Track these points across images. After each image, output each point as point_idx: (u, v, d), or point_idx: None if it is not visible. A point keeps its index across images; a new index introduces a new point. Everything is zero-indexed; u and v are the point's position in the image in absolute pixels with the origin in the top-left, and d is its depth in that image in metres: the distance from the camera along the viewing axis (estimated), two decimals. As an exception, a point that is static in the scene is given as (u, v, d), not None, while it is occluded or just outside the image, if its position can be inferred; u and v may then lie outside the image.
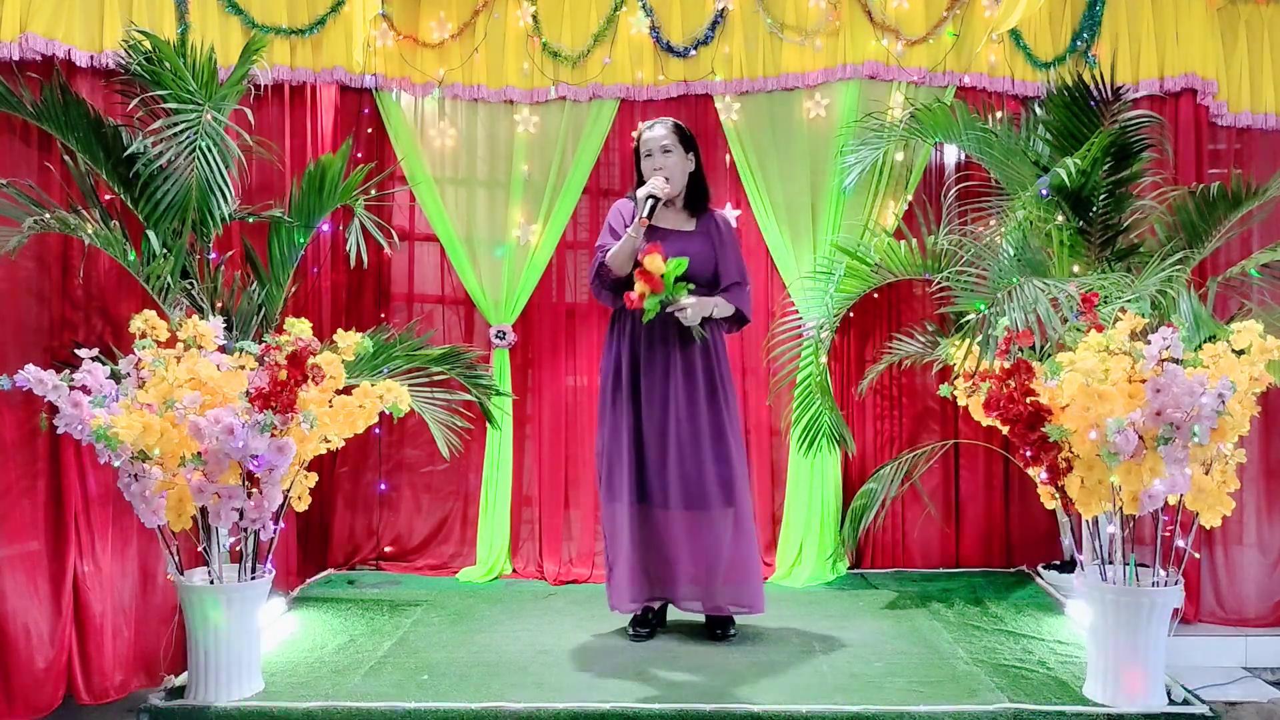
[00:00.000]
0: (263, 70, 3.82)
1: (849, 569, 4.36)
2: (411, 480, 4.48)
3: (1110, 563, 2.86)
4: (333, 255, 4.26)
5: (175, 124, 3.22)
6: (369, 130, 4.42)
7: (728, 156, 4.44)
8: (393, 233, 3.96)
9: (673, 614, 3.52)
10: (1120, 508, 2.76)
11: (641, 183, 3.38)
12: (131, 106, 3.31)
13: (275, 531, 2.89)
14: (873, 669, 3.10)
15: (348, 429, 2.95)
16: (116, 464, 2.72)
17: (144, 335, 2.88)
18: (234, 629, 2.84)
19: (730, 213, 4.42)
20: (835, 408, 4.13)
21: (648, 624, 3.43)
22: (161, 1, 3.57)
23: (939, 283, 3.60)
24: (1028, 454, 2.81)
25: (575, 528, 4.44)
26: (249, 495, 2.78)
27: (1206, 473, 2.77)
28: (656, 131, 3.36)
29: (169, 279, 3.24)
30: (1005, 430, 2.90)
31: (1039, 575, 4.20)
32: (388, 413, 3.01)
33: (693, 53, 4.33)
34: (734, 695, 2.87)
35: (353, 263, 3.74)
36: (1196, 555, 4.01)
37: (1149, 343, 2.65)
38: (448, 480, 4.47)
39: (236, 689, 2.85)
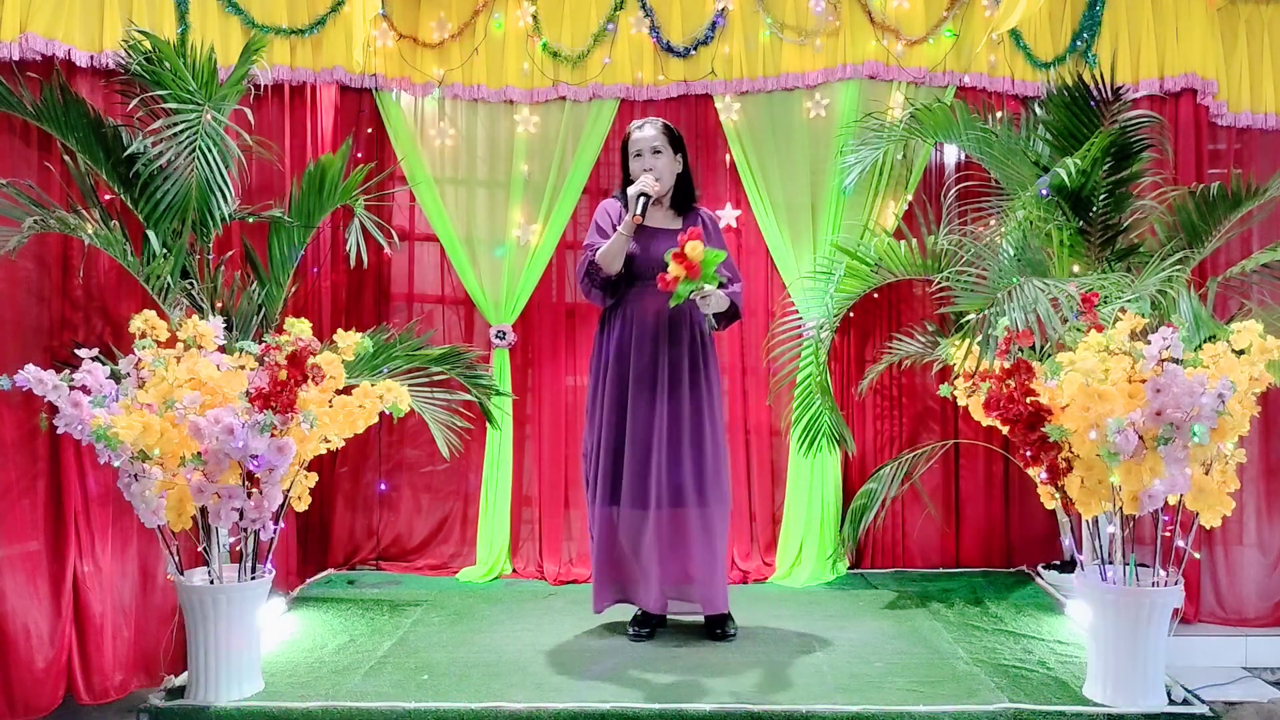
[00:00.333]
0: (263, 70, 3.81)
1: (849, 569, 4.36)
2: (411, 480, 4.48)
3: (1110, 563, 2.86)
4: (333, 255, 4.26)
5: (175, 124, 3.22)
6: (369, 130, 4.42)
7: (728, 156, 4.44)
8: (393, 233, 3.96)
9: (673, 614, 3.51)
10: (1120, 508, 2.76)
11: (629, 181, 3.39)
12: (131, 106, 3.31)
13: (275, 531, 2.89)
14: (873, 669, 3.10)
15: (348, 429, 2.95)
16: (116, 464, 2.72)
17: (144, 335, 2.87)
18: (234, 629, 2.84)
19: (730, 213, 4.42)
20: (835, 408, 4.13)
21: (648, 624, 3.43)
22: (161, 1, 3.58)
23: (939, 283, 3.60)
24: (1028, 454, 2.81)
25: (575, 528, 4.44)
26: (249, 495, 2.78)
27: (1206, 473, 2.77)
28: (646, 132, 3.37)
29: (169, 279, 3.24)
30: (1005, 430, 2.90)
31: (1039, 575, 4.20)
32: (388, 413, 3.01)
33: (693, 53, 4.33)
34: (734, 695, 2.86)
35: (353, 263, 3.74)
36: (1196, 555, 4.01)
37: (1149, 343, 2.65)
38: (448, 480, 4.47)
39: (236, 689, 2.85)
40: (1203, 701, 2.83)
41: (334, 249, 4.26)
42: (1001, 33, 4.22)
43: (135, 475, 2.74)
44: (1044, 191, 3.68)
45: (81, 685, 3.19)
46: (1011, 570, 4.38)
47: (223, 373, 2.82)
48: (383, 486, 4.47)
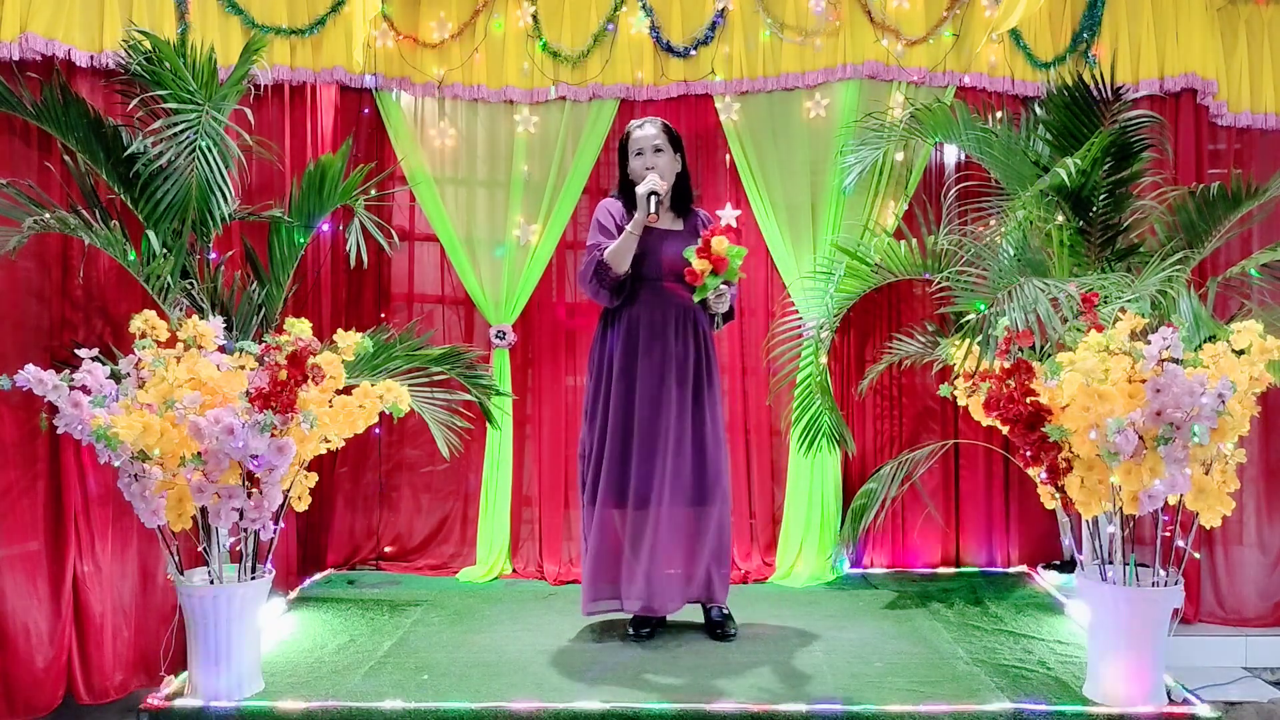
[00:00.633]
0: (263, 70, 3.82)
1: (849, 569, 4.36)
2: (411, 480, 4.48)
3: (1110, 563, 2.86)
4: (333, 255, 4.26)
5: (175, 124, 3.22)
6: (369, 130, 4.42)
7: (728, 156, 4.44)
8: (393, 233, 3.97)
9: (673, 614, 3.52)
10: (1120, 508, 2.76)
11: (627, 180, 3.39)
12: (131, 106, 3.31)
13: (275, 531, 2.89)
14: (873, 669, 3.10)
15: (348, 429, 2.95)
16: (116, 464, 2.72)
17: (144, 335, 2.87)
18: (234, 629, 2.84)
19: (730, 213, 4.42)
20: (835, 408, 4.13)
21: (648, 623, 3.42)
22: (161, 1, 3.58)
23: (939, 283, 3.60)
24: (1028, 454, 2.81)
25: (575, 528, 4.43)
26: (249, 495, 2.78)
27: (1206, 473, 2.77)
28: (647, 130, 3.37)
29: (169, 279, 3.24)
30: (1005, 430, 2.90)
31: (1039, 575, 4.20)
32: (388, 413, 3.01)
33: (693, 53, 4.33)
34: (734, 695, 2.86)
35: (353, 263, 3.74)
36: (1196, 555, 4.01)
37: (1149, 343, 2.65)
38: (448, 480, 4.47)
39: (236, 689, 2.85)
40: (1203, 701, 2.83)
41: (334, 249, 4.26)
42: (1001, 33, 4.22)
43: (135, 475, 2.74)
44: (1044, 191, 3.68)
45: (81, 685, 3.19)
46: (1011, 570, 4.38)
47: (223, 373, 2.82)
48: (383, 486, 4.46)
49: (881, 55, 4.28)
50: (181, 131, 3.22)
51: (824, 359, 4.13)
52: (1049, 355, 2.91)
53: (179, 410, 2.70)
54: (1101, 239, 3.81)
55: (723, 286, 3.21)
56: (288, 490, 2.95)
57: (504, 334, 4.41)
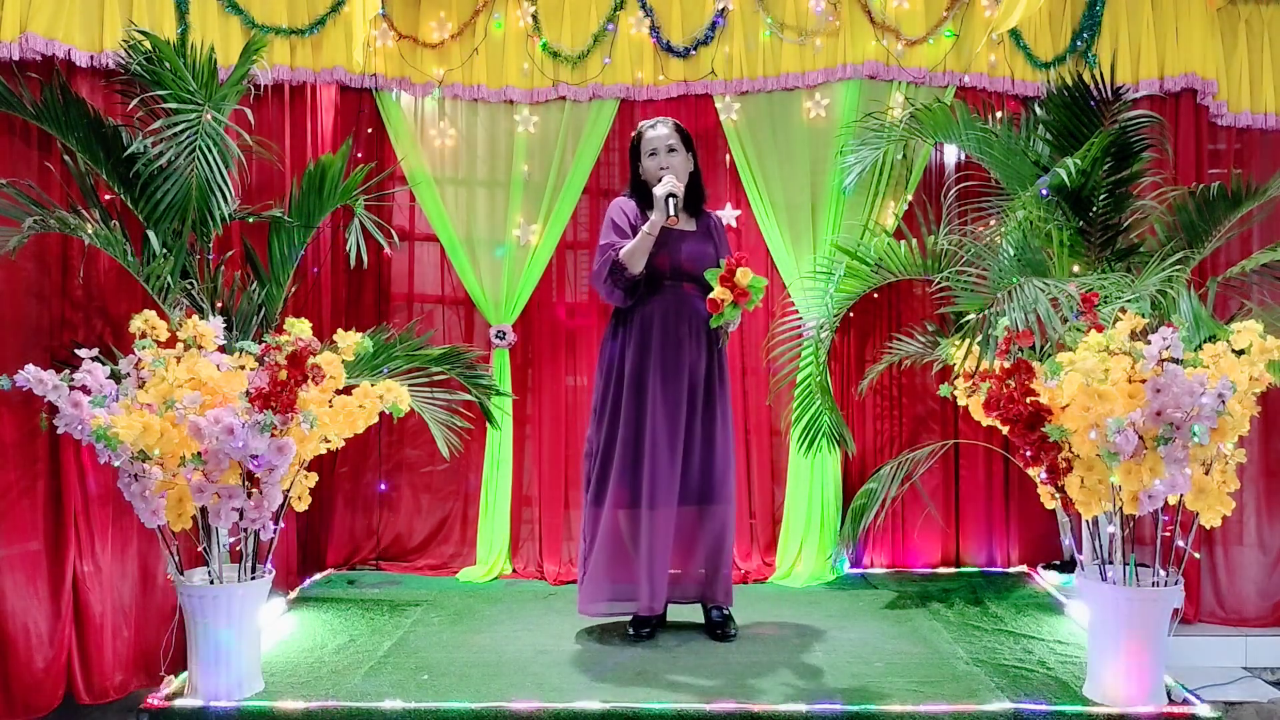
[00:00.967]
0: (263, 70, 3.82)
1: (849, 569, 4.36)
2: (411, 480, 4.48)
3: (1110, 563, 2.86)
4: (333, 255, 4.26)
5: (175, 124, 3.22)
6: (369, 130, 4.42)
7: (728, 156, 4.44)
8: (393, 233, 3.97)
9: (673, 614, 3.52)
10: (1120, 508, 2.76)
11: (639, 180, 3.39)
12: (131, 106, 3.31)
13: (275, 531, 2.89)
14: (873, 669, 3.10)
15: (348, 429, 2.95)
16: (116, 464, 2.72)
17: (144, 335, 2.87)
18: (234, 629, 2.84)
19: (730, 213, 4.42)
20: (835, 408, 4.12)
21: (648, 623, 3.42)
22: (161, 1, 3.58)
23: (939, 283, 3.60)
24: (1028, 454, 2.81)
25: (575, 528, 4.43)
26: (249, 495, 2.78)
27: (1206, 473, 2.77)
28: (660, 131, 3.37)
29: (169, 279, 3.24)
30: (1005, 430, 2.90)
31: (1039, 575, 4.20)
32: (388, 413, 3.01)
33: (693, 53, 4.33)
34: (734, 695, 2.87)
35: (353, 263, 3.74)
36: (1196, 555, 4.01)
37: (1149, 343, 2.65)
38: (448, 480, 4.47)
39: (236, 689, 2.85)
40: (1203, 701, 2.83)
41: (334, 249, 4.26)
42: (1001, 33, 4.22)
43: (135, 475, 2.74)
44: (1044, 191, 3.68)
45: (81, 685, 3.19)
46: (1011, 570, 4.38)
47: (223, 373, 2.82)
48: (383, 486, 4.46)
49: (881, 55, 4.28)
50: (181, 131, 3.22)
51: (824, 359, 4.13)
52: (1049, 355, 2.91)
53: (179, 410, 2.70)
54: (1101, 239, 3.81)
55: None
56: (288, 490, 2.95)
57: (504, 334, 4.41)
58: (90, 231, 3.14)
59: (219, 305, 3.42)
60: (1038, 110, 4.10)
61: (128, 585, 3.37)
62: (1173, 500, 2.73)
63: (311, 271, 4.16)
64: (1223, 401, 2.57)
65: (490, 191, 4.46)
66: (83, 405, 2.66)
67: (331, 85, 4.21)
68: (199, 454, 2.73)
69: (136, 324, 2.88)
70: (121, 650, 3.31)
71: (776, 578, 4.27)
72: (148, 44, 3.27)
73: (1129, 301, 3.23)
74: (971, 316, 3.09)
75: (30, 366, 2.68)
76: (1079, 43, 4.28)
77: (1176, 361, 2.62)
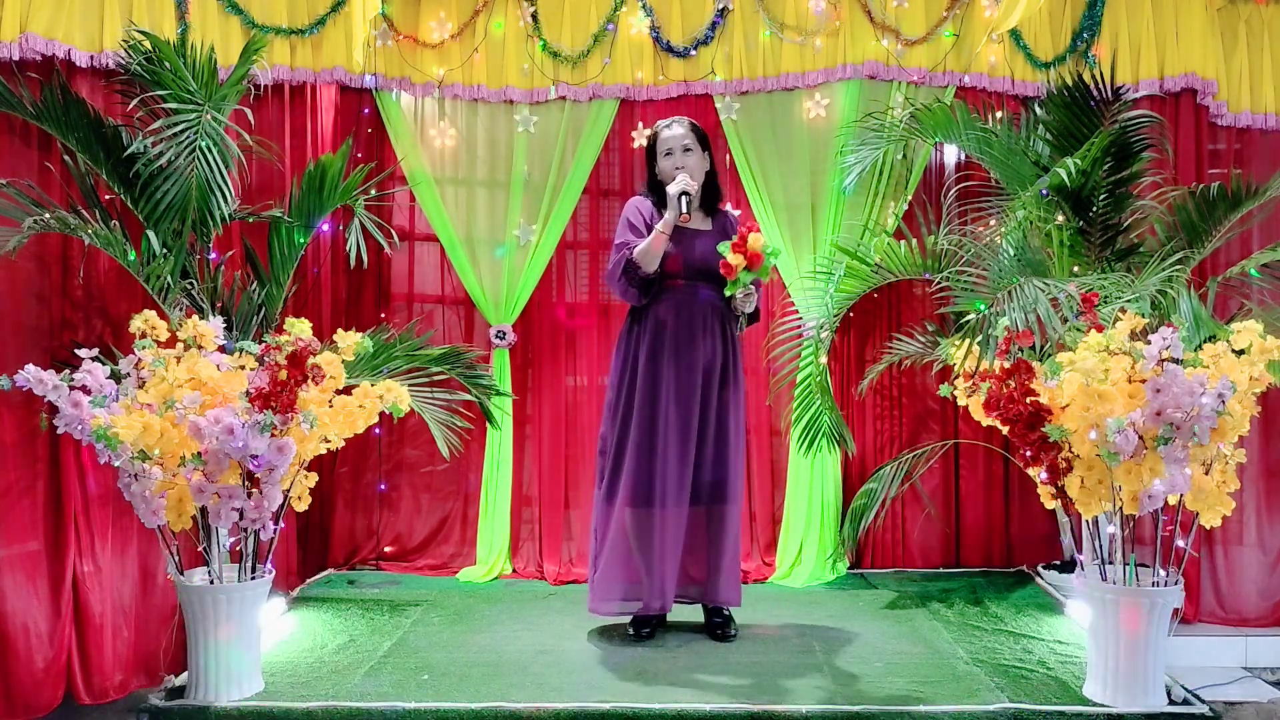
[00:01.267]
0: (263, 70, 3.82)
1: (849, 569, 4.36)
2: (411, 480, 4.48)
3: (1110, 563, 2.86)
4: (333, 255, 4.26)
5: (175, 124, 3.22)
6: (369, 130, 4.42)
7: (728, 156, 4.44)
8: (393, 233, 3.97)
9: (673, 614, 3.51)
10: (1120, 508, 2.76)
11: (656, 181, 3.39)
12: (131, 106, 3.31)
13: (275, 531, 2.89)
14: (873, 669, 3.10)
15: (348, 429, 2.95)
16: (116, 464, 2.72)
17: (144, 335, 2.87)
18: (234, 629, 2.84)
19: (730, 213, 4.41)
20: (835, 408, 4.13)
21: (648, 623, 3.42)
22: (161, 1, 3.57)
23: (939, 283, 3.60)
24: (1028, 454, 2.81)
25: (575, 528, 4.44)
26: (249, 495, 2.78)
27: (1206, 473, 2.77)
28: (676, 130, 3.37)
29: (169, 279, 3.24)
30: (1005, 430, 2.90)
31: (1039, 575, 4.20)
32: (388, 413, 3.01)
33: (693, 53, 4.33)
34: (734, 695, 2.87)
35: (353, 263, 3.74)
36: (1196, 555, 4.01)
37: (1149, 343, 2.65)
38: (448, 480, 4.47)
39: (236, 689, 2.85)
40: (1203, 701, 2.83)
41: (334, 249, 4.26)
42: (1001, 33, 4.22)
43: (135, 475, 2.74)
44: (1044, 191, 3.68)
45: (81, 685, 3.19)
46: (1011, 570, 4.38)
47: (223, 373, 2.82)
48: (383, 486, 4.47)
49: (881, 55, 4.28)
50: (181, 131, 3.22)
51: (824, 359, 4.13)
52: (1049, 355, 2.91)
53: (179, 410, 2.70)
54: (1101, 239, 3.81)
55: (751, 285, 3.22)
56: (288, 490, 2.95)
57: (504, 334, 4.41)
58: (90, 231, 3.14)
59: (219, 305, 3.42)
60: (1038, 110, 4.10)
61: (128, 585, 3.37)
62: (1173, 500, 2.74)
63: (311, 271, 4.16)
64: (1223, 401, 2.57)
65: (490, 191, 4.46)
66: (83, 405, 2.66)
67: (331, 85, 4.21)
68: (199, 454, 2.73)
69: (136, 324, 2.88)
70: (121, 650, 3.31)
71: (776, 578, 4.27)
72: (148, 44, 3.27)
73: (1129, 301, 3.23)
74: (971, 316, 3.09)
75: (30, 366, 2.68)
76: (1079, 43, 4.28)
77: (1176, 361, 2.62)
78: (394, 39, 4.34)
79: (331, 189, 3.62)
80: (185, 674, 2.92)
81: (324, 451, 3.01)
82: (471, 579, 4.26)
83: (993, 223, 4.02)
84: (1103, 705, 2.80)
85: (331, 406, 2.90)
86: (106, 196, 3.36)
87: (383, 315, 4.44)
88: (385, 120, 4.41)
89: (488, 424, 4.10)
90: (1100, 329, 2.88)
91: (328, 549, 4.39)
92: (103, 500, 3.27)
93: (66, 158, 3.27)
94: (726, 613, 3.46)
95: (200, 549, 2.91)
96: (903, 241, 4.14)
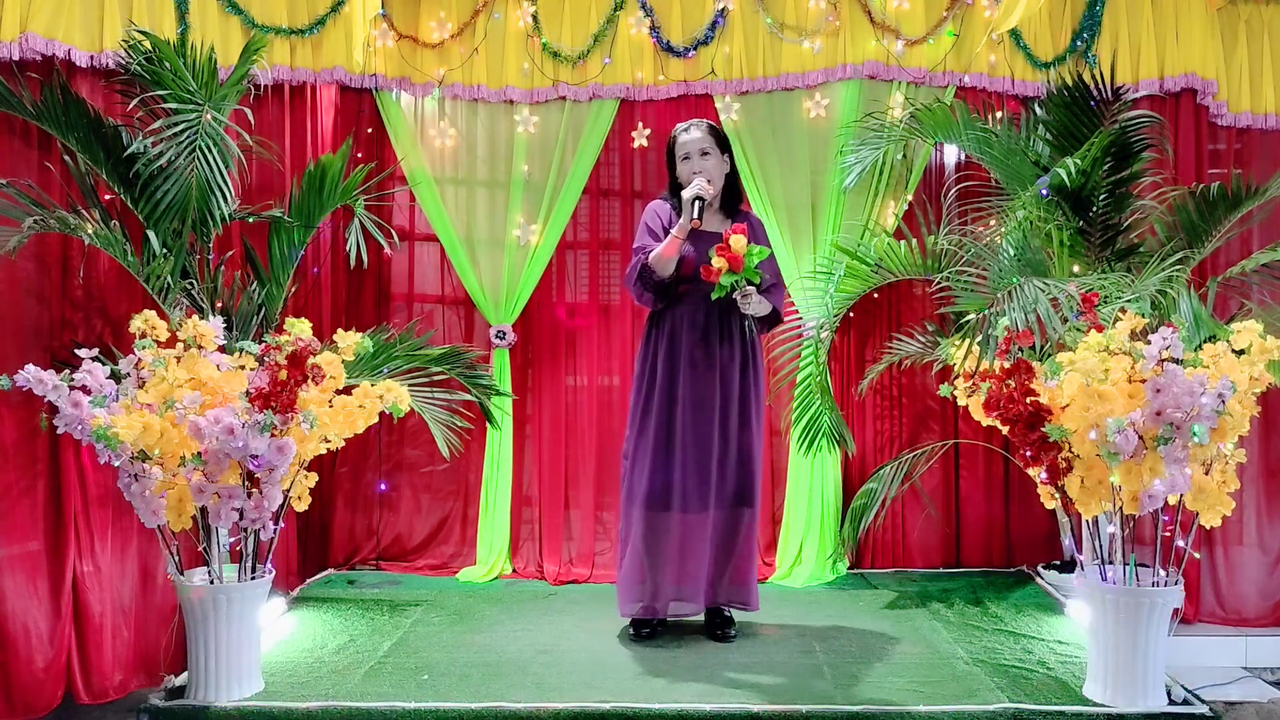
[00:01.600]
0: (263, 70, 3.81)
1: (849, 569, 4.36)
2: (411, 480, 4.48)
3: (1110, 563, 2.86)
4: (333, 255, 4.26)
5: (175, 124, 3.22)
6: (369, 130, 4.42)
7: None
8: (393, 233, 3.97)
9: (673, 613, 3.51)
10: (1120, 508, 2.76)
11: (676, 185, 3.39)
12: (131, 106, 3.31)
13: (275, 531, 2.89)
14: (873, 669, 3.10)
15: (348, 429, 2.95)
16: (116, 464, 2.72)
17: (144, 335, 2.87)
18: (234, 629, 2.85)
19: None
20: (835, 408, 4.13)
21: (649, 624, 3.42)
22: (161, 1, 3.57)
23: (939, 283, 3.60)
24: (1028, 454, 2.81)
25: (575, 528, 4.44)
26: (249, 495, 2.78)
27: (1206, 473, 2.77)
28: (693, 134, 3.37)
29: (169, 279, 3.24)
30: (1005, 430, 2.90)
31: (1039, 575, 4.20)
32: (388, 413, 3.01)
33: (693, 53, 4.33)
34: (734, 695, 2.87)
35: (353, 263, 3.74)
36: (1196, 555, 4.01)
37: (1149, 343, 2.66)
38: (448, 480, 4.47)
39: (236, 689, 2.85)
40: (1203, 701, 2.83)
41: (334, 249, 4.26)
42: (1001, 33, 4.22)
43: (135, 475, 2.74)
44: (1044, 191, 3.68)
45: (81, 685, 3.19)
46: (1011, 570, 4.38)
47: (223, 373, 2.82)
48: (383, 486, 4.46)
49: (881, 55, 4.28)
50: (181, 131, 3.22)
51: (824, 359, 4.13)
52: (1049, 355, 2.91)
53: (179, 410, 2.70)
54: (1101, 239, 3.81)
55: (749, 287, 3.19)
56: (288, 490, 2.95)
57: (504, 334, 4.41)
58: (90, 231, 3.14)
59: (219, 305, 3.42)
60: (1038, 110, 4.10)
61: (128, 585, 3.37)
62: (1173, 500, 2.74)
63: (311, 271, 4.16)
64: (1223, 401, 2.57)
65: (490, 191, 4.46)
66: (83, 405, 2.66)
67: (331, 85, 4.21)
68: (199, 454, 2.73)
69: (136, 324, 2.88)
70: (121, 650, 3.31)
71: (776, 578, 4.27)
72: (148, 44, 3.26)
73: (1129, 301, 3.23)
74: (971, 316, 3.09)
75: (30, 366, 2.68)
76: (1079, 43, 4.28)
77: (1176, 361, 2.63)
78: (394, 39, 4.34)
79: (331, 189, 3.63)
80: (185, 674, 2.92)
81: (324, 451, 3.01)
82: (471, 579, 4.26)
83: (993, 223, 4.02)
84: (1103, 705, 2.80)
85: (331, 406, 2.90)
86: (106, 196, 3.37)
87: (383, 315, 4.44)
88: (385, 120, 4.41)
89: (488, 424, 4.10)
90: (1100, 329, 2.88)
91: (328, 549, 4.39)
92: (103, 500, 3.27)
93: (66, 158, 3.27)
94: (727, 613, 3.46)
95: (200, 549, 2.91)
96: (903, 241, 4.14)
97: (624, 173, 4.49)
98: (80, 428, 2.67)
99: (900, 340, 4.17)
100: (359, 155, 4.29)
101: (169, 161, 3.23)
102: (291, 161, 4.01)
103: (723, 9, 4.31)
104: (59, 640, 3.14)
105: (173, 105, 3.23)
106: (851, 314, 4.34)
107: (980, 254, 3.65)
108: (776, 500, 4.45)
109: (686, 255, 3.28)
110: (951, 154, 4.42)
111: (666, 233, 3.30)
